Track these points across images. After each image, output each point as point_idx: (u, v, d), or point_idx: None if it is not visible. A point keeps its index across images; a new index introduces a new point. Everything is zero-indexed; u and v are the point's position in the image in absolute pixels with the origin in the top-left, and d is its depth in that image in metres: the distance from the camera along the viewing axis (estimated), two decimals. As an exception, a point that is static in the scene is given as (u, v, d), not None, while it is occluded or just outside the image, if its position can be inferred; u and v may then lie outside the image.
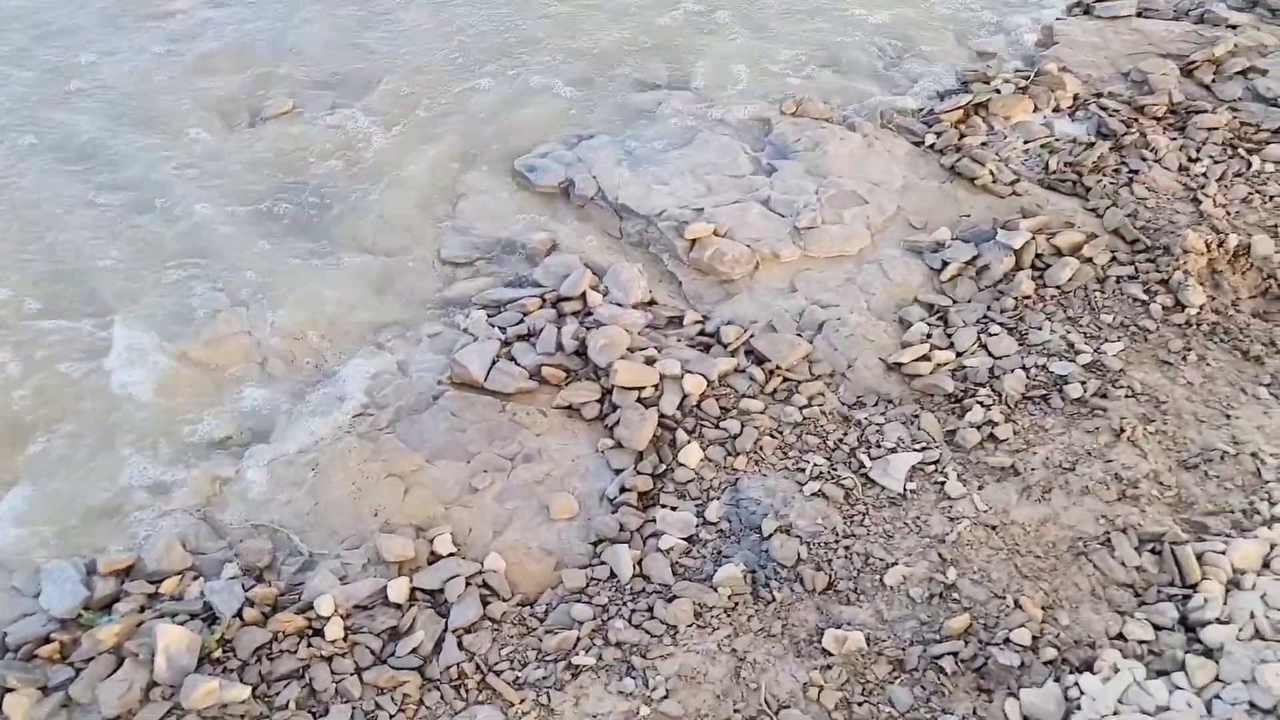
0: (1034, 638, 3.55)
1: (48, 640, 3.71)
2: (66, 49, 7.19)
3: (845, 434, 4.42)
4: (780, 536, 3.95)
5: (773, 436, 4.42)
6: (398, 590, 3.86)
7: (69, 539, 4.16)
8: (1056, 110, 6.28)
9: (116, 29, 7.46)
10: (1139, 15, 7.31)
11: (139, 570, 4.00)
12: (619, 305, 5.01)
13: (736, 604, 3.77)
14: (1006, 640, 3.54)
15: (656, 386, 4.59)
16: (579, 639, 3.70)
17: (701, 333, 4.98)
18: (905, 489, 4.16)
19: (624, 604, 3.83)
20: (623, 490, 4.25)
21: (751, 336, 4.85)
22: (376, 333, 5.04)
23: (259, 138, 6.40)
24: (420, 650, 3.69)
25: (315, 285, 5.31)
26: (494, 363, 4.69)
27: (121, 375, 4.80)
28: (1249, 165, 5.75)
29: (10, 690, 3.54)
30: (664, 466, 4.35)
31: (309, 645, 3.69)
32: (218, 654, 3.66)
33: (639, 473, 4.32)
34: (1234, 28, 7.06)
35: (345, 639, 3.72)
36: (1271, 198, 5.50)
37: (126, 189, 5.94)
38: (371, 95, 6.76)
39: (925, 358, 4.70)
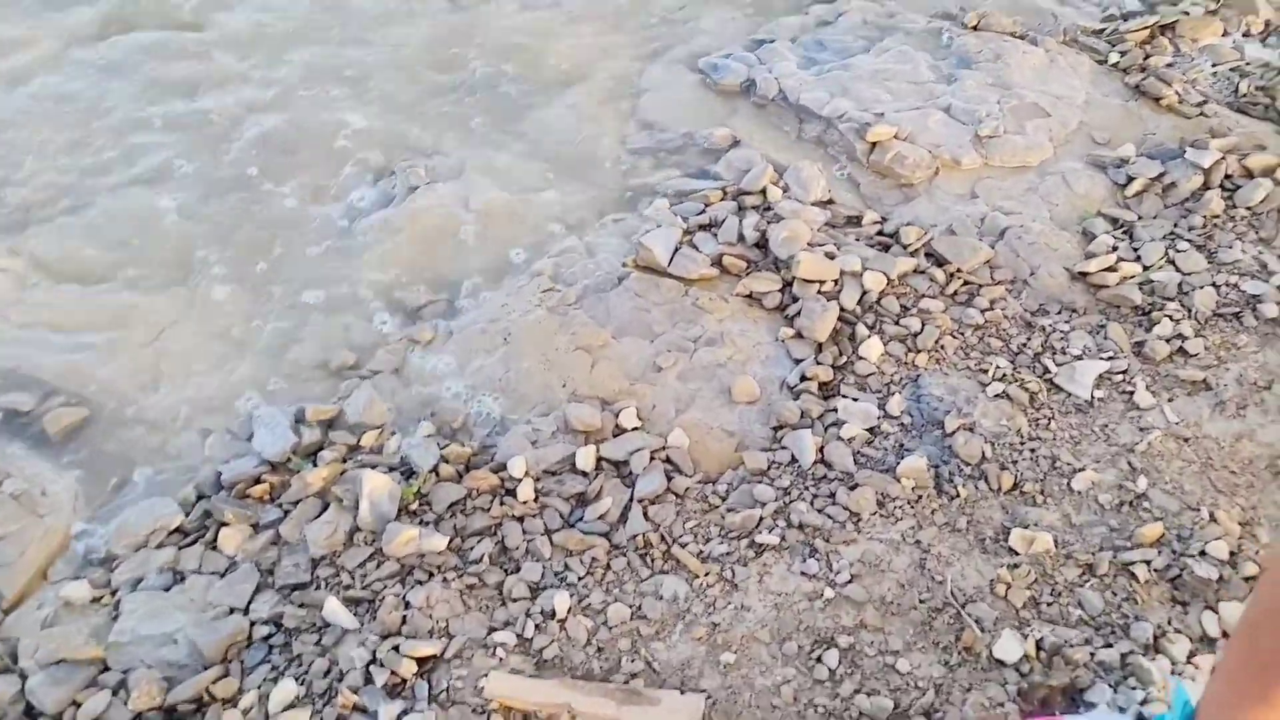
0: (1232, 552, 3.23)
1: (258, 481, 3.62)
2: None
3: (1029, 339, 4.10)
4: (964, 434, 3.67)
5: (954, 337, 4.12)
6: (585, 458, 3.68)
7: (278, 388, 4.10)
8: (1247, 35, 5.75)
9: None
10: (1334, -57, 6.67)
11: (341, 422, 3.88)
12: (799, 201, 4.73)
13: (920, 496, 3.51)
14: (1202, 553, 3.23)
15: (836, 281, 4.30)
16: (761, 518, 3.47)
17: (880, 233, 4.66)
18: (1093, 396, 3.84)
19: (806, 488, 3.59)
20: (803, 379, 4.00)
21: (931, 239, 4.53)
22: (564, 214, 4.83)
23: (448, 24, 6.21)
24: (607, 517, 3.51)
25: (507, 168, 5.12)
26: (677, 248, 4.45)
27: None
28: None
29: (226, 525, 3.48)
30: (844, 359, 4.08)
31: (501, 504, 3.53)
32: (414, 506, 3.53)
33: (819, 363, 4.06)
34: None
35: (536, 500, 3.56)
36: None
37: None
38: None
39: (1111, 269, 4.33)
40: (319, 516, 3.49)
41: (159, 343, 4.26)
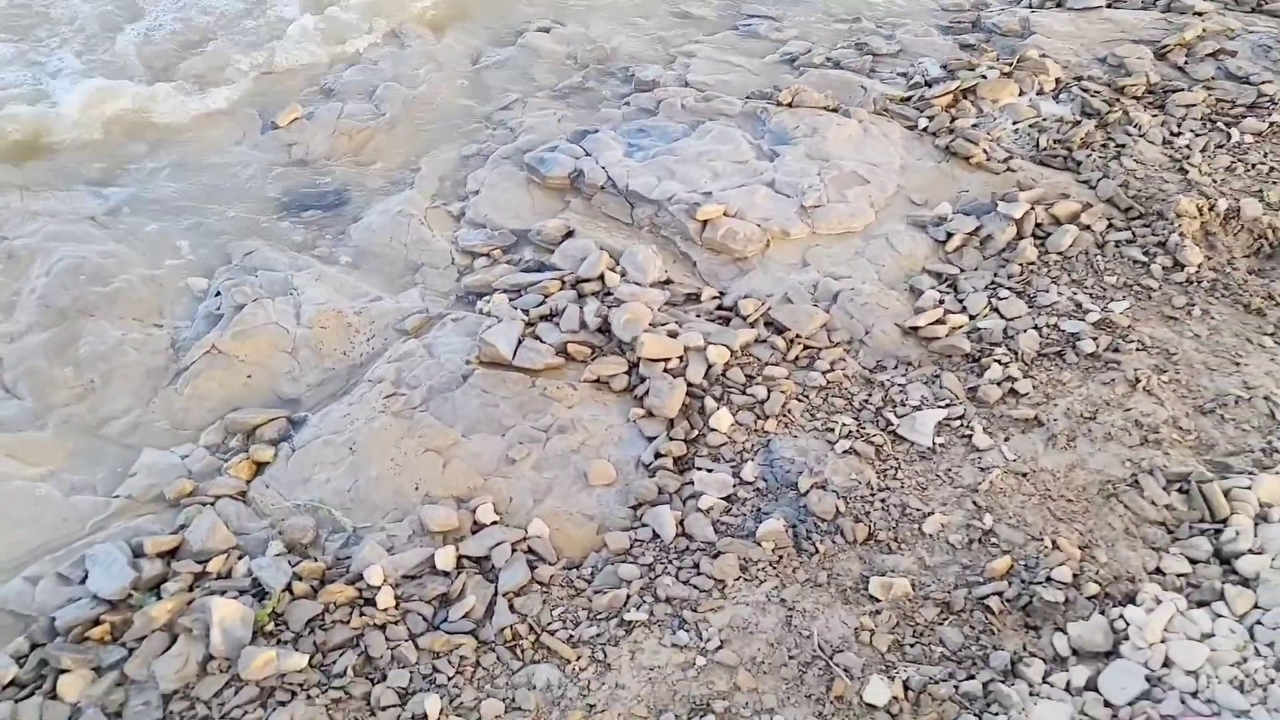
0: (1074, 575, 3.45)
1: (97, 623, 3.50)
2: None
3: (870, 395, 4.31)
4: (817, 492, 3.82)
5: (799, 400, 4.29)
6: (445, 558, 3.70)
7: (112, 525, 3.97)
8: (1040, 93, 6.20)
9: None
10: (1109, 6, 7.26)
11: (185, 551, 3.80)
12: (637, 284, 4.89)
13: (781, 557, 3.64)
14: (1048, 579, 3.43)
15: (681, 358, 4.46)
16: (629, 597, 3.56)
17: (720, 307, 4.85)
18: (934, 443, 4.04)
19: (669, 562, 3.69)
20: (658, 455, 4.11)
21: (769, 308, 4.73)
22: (401, 319, 4.86)
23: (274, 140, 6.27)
24: (472, 615, 3.54)
25: (338, 278, 5.15)
26: (520, 341, 4.55)
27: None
28: (1229, 137, 5.69)
29: (65, 671, 3.35)
30: (696, 432, 4.22)
31: (361, 615, 3.52)
32: (270, 627, 3.49)
33: (672, 439, 4.18)
34: (1200, 14, 7.01)
35: (397, 607, 3.56)
36: (1253, 165, 5.45)
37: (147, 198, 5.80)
38: (380, 100, 6.62)
39: (940, 321, 4.60)
40: (167, 650, 3.40)
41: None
